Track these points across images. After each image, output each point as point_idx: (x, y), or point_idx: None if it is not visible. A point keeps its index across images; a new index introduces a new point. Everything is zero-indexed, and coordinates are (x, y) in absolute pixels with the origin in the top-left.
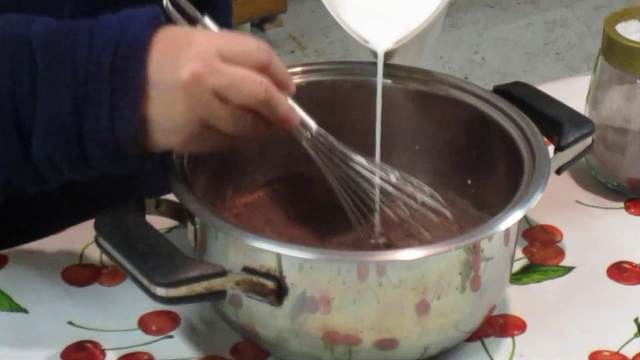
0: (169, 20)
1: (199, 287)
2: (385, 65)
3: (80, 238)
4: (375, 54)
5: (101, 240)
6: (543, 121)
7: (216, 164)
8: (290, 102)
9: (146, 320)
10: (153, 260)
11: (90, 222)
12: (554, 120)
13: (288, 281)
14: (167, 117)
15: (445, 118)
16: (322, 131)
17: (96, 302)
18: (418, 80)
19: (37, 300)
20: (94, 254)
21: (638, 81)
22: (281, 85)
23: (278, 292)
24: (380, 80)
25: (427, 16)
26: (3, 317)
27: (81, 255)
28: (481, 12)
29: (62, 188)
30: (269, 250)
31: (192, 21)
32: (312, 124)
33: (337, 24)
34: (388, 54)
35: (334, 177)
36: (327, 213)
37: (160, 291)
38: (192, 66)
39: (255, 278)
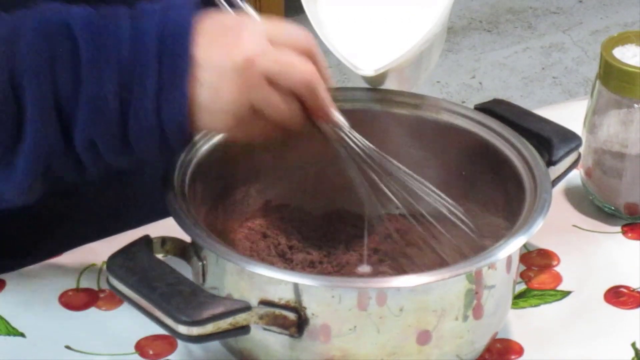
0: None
1: (224, 324)
2: (379, 90)
3: (77, 262)
4: (363, 79)
5: (115, 282)
6: (530, 138)
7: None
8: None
9: (143, 345)
10: (176, 300)
11: (87, 246)
12: (541, 137)
13: (309, 312)
14: (216, 99)
15: (441, 142)
16: (355, 133)
17: (93, 327)
18: (411, 105)
19: (35, 324)
20: (91, 278)
21: (635, 106)
22: (321, 74)
23: (298, 324)
24: None
25: (413, 45)
26: (0, 342)
27: (78, 280)
28: (478, 37)
29: (59, 211)
30: (291, 282)
31: (233, 6)
32: (344, 122)
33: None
34: (378, 80)
35: (362, 179)
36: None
37: (187, 330)
38: (245, 49)
39: (277, 311)
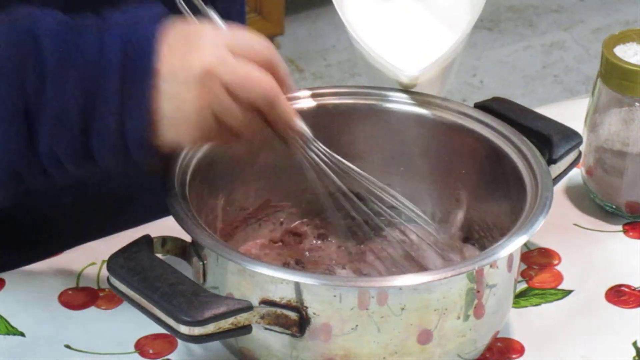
0: (175, 14)
1: (225, 324)
2: (378, 88)
3: (77, 261)
4: (400, 83)
5: (116, 282)
6: (531, 136)
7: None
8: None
9: (143, 344)
10: (177, 300)
11: (87, 245)
12: (542, 135)
13: (310, 311)
14: (178, 110)
15: (441, 140)
16: (319, 143)
17: (93, 326)
18: (411, 103)
19: (34, 323)
20: (91, 277)
21: (636, 104)
22: (282, 83)
23: (300, 323)
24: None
25: (452, 45)
26: (0, 341)
27: (78, 279)
28: (479, 35)
29: (59, 210)
30: (292, 281)
31: (198, 14)
32: (308, 133)
33: (335, 47)
34: (414, 83)
35: (327, 191)
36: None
37: (189, 330)
38: (204, 60)
39: (279, 310)
